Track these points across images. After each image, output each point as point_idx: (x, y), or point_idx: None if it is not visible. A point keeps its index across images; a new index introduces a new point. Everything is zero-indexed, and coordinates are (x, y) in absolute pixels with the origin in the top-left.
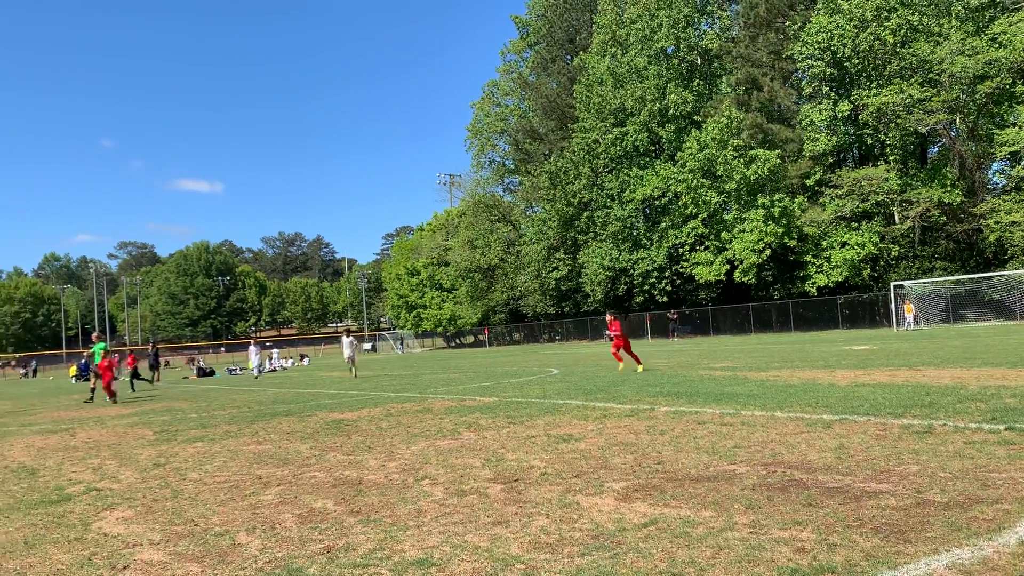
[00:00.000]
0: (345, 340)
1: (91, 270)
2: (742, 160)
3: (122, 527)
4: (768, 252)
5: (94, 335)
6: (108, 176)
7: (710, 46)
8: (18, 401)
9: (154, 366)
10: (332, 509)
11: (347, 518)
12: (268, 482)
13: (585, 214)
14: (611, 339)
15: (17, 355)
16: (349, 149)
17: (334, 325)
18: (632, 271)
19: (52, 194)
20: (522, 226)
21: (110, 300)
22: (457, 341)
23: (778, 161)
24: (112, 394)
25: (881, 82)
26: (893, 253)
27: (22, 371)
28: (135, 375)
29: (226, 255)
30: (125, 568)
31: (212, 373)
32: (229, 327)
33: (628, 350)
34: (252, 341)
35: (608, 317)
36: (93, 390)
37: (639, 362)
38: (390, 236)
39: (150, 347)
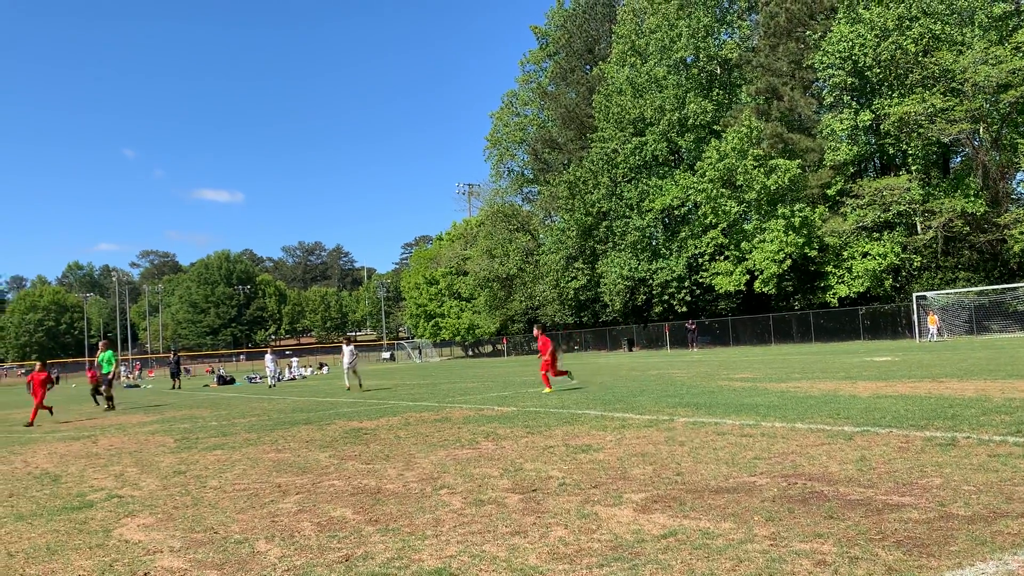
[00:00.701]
0: (346, 349)
1: (113, 279)
2: (762, 170)
3: (143, 534)
4: (788, 262)
5: (100, 343)
6: (130, 186)
7: (730, 56)
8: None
9: (175, 374)
10: (351, 518)
11: (365, 527)
12: (287, 490)
13: (604, 224)
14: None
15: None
16: (369, 159)
17: (353, 334)
18: (651, 281)
19: (75, 204)
20: (541, 235)
21: (132, 308)
22: (475, 350)
23: (798, 171)
24: (44, 408)
25: (903, 91)
26: (915, 264)
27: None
28: (96, 391)
29: (247, 264)
30: (146, 575)
31: (232, 381)
32: (249, 336)
33: (554, 369)
34: (268, 350)
35: (536, 331)
36: (109, 399)
37: (556, 375)
38: (409, 245)
39: (172, 355)
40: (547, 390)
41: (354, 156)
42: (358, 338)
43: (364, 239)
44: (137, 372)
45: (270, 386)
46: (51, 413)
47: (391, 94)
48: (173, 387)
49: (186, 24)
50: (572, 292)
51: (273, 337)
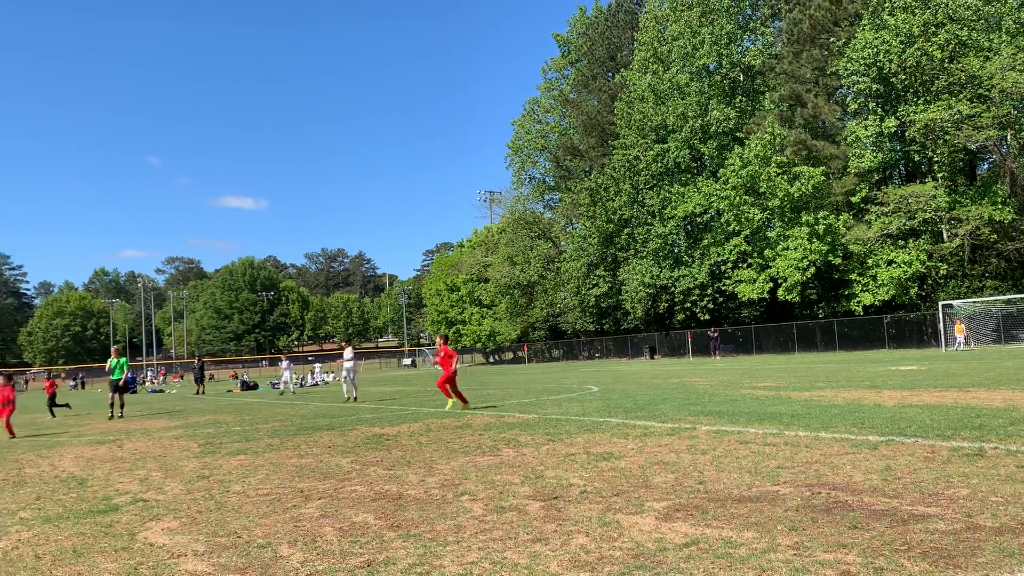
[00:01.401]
0: (346, 353)
1: (139, 284)
2: (786, 177)
3: (167, 537)
4: (812, 270)
5: (113, 349)
6: (155, 193)
7: (753, 62)
8: (66, 412)
9: (199, 379)
10: (372, 523)
11: (387, 532)
12: (309, 495)
13: (626, 231)
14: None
15: (67, 367)
16: (391, 166)
17: (375, 340)
18: (673, 288)
19: (101, 210)
20: (562, 243)
21: (157, 314)
22: (496, 357)
23: (822, 178)
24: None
25: (929, 98)
26: (941, 272)
27: (71, 383)
28: (52, 402)
29: (270, 270)
30: None
31: (255, 387)
32: (272, 341)
33: (453, 385)
34: (283, 356)
35: (438, 341)
36: (123, 406)
37: (457, 399)
38: (430, 252)
39: (196, 360)
40: (452, 402)
41: (376, 163)
42: (380, 345)
43: (386, 246)
44: (162, 377)
45: (281, 393)
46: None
47: (414, 101)
48: (197, 392)
49: (209, 31)
50: (593, 299)
51: (296, 343)
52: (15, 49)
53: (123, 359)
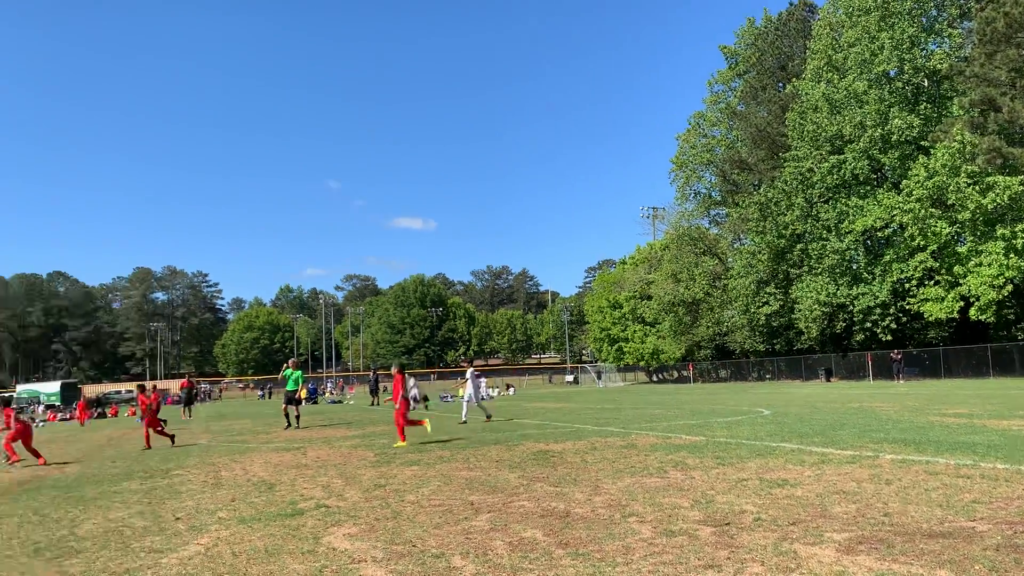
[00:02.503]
0: (468, 373)
1: (320, 301)
2: (977, 187)
3: (349, 543)
4: (1009, 288)
5: (290, 361)
6: (335, 215)
7: (939, 66)
8: (257, 420)
9: (374, 391)
10: (541, 539)
11: (556, 549)
12: (479, 508)
13: (798, 246)
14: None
15: (255, 377)
16: (553, 184)
17: (538, 357)
18: (851, 307)
19: (287, 232)
20: (729, 259)
21: (336, 328)
22: (659, 376)
23: (1020, 188)
24: (162, 434)
25: None
26: None
27: (260, 392)
28: (189, 400)
29: (439, 287)
30: None
31: (426, 399)
32: (441, 356)
33: (404, 418)
34: (469, 367)
35: (394, 370)
36: (298, 417)
37: (402, 436)
38: (592, 269)
39: (371, 373)
40: (400, 443)
41: (539, 182)
42: (542, 361)
43: (549, 263)
44: (340, 389)
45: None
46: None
47: (574, 117)
48: (372, 404)
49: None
50: (763, 318)
51: (463, 358)
52: (217, 85)
53: (298, 372)
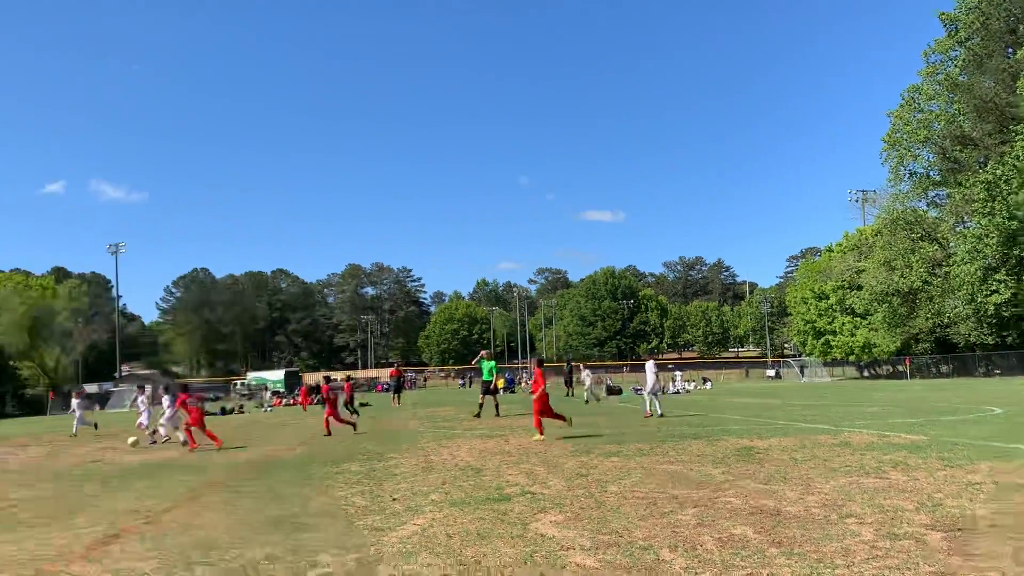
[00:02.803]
0: (649, 366)
1: (514, 294)
2: None
3: (555, 530)
4: None
5: (484, 352)
6: (526, 210)
7: None
8: (460, 408)
9: (568, 382)
10: (752, 537)
11: (768, 548)
12: (684, 502)
13: None
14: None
15: (456, 367)
16: (749, 170)
17: (735, 350)
18: None
19: (483, 228)
20: (951, 244)
21: (530, 321)
22: (871, 371)
23: None
24: (340, 420)
25: None
26: None
27: (460, 381)
28: (348, 403)
29: (630, 279)
30: (563, 568)
31: (619, 391)
32: (633, 348)
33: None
34: (651, 359)
35: (533, 365)
36: (497, 406)
37: (539, 428)
38: (794, 258)
39: (565, 364)
40: (537, 436)
41: (735, 169)
42: (740, 354)
43: (746, 253)
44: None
45: (597, 400)
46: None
47: (775, 100)
48: (567, 395)
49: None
50: (992, 308)
51: (655, 351)
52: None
53: (492, 363)
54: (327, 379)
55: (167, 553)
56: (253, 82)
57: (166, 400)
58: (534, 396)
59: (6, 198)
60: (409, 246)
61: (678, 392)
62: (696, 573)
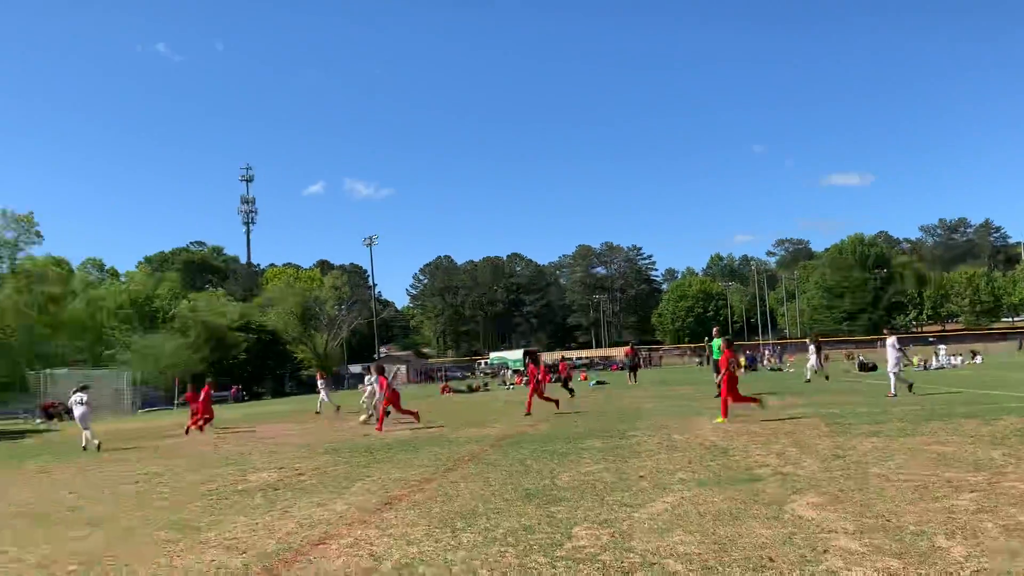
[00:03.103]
0: (890, 340)
1: (752, 268)
2: None
3: (814, 512)
4: None
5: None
6: (762, 179)
7: None
8: (697, 387)
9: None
10: None
11: None
12: (959, 486)
13: None
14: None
15: (691, 345)
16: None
17: (1008, 319)
18: None
19: (715, 201)
20: None
21: (770, 295)
22: None
23: None
24: (545, 398)
25: None
26: None
27: (697, 360)
28: (565, 384)
29: (881, 247)
30: (825, 552)
31: (874, 368)
32: (888, 321)
33: (730, 394)
34: (890, 334)
35: (722, 344)
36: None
37: (724, 412)
38: None
39: (809, 339)
40: (720, 419)
41: (1001, 114)
42: (1015, 324)
43: (1020, 209)
44: (779, 356)
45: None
46: None
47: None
48: (817, 372)
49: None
50: None
51: (914, 323)
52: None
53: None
54: (531, 357)
55: (434, 521)
56: (493, 88)
57: (371, 379)
58: (717, 380)
59: (277, 201)
60: (638, 225)
61: (942, 367)
62: (978, 562)
